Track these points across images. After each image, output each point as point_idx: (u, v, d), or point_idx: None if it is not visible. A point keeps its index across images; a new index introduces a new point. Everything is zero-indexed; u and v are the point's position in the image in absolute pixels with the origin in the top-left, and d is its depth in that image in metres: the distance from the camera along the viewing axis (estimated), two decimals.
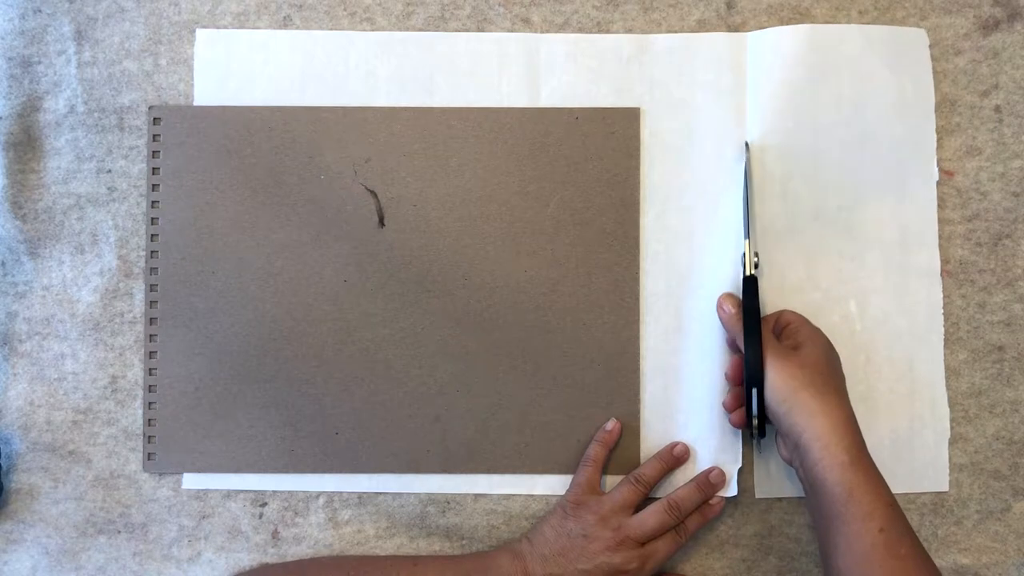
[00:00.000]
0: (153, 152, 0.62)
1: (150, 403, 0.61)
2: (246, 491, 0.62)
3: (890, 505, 0.51)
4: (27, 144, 0.62)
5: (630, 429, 0.61)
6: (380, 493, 0.62)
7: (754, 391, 0.55)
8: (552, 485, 0.61)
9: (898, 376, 0.61)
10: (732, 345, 0.60)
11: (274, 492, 0.62)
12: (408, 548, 0.61)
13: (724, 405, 0.60)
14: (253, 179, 0.62)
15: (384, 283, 0.61)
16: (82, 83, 0.63)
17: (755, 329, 0.56)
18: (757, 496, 0.61)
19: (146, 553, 0.61)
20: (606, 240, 0.61)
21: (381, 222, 0.61)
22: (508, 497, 0.61)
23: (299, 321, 0.61)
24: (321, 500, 0.62)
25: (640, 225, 0.62)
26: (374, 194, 0.61)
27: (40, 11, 0.63)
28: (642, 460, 0.61)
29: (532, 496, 0.61)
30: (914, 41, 0.62)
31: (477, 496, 0.62)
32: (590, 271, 0.61)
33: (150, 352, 0.61)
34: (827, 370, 0.55)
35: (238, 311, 0.61)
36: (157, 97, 0.63)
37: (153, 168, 0.62)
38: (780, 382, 0.54)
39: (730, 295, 0.59)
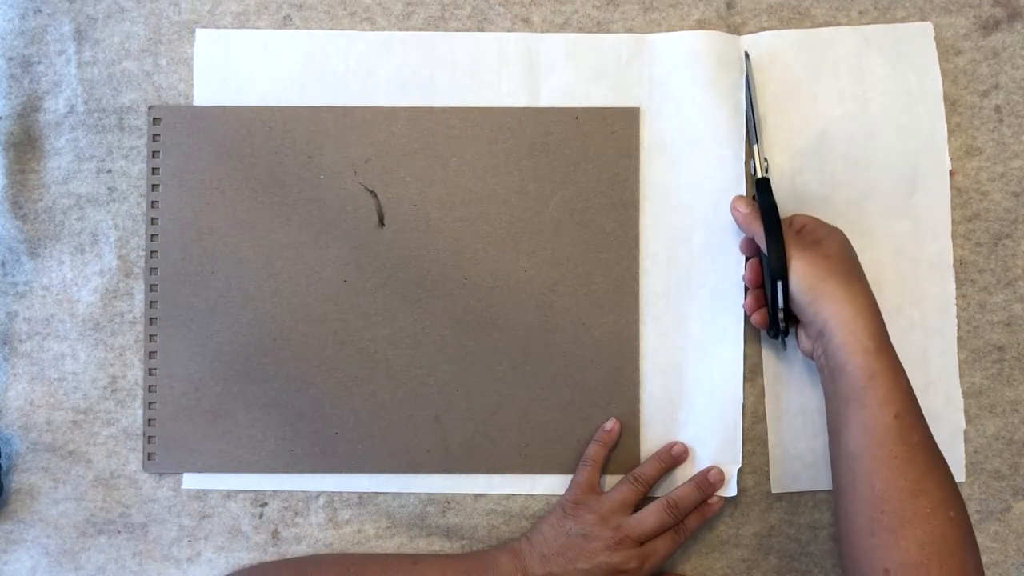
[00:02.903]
0: (153, 152, 0.62)
1: (150, 403, 0.61)
2: (246, 491, 0.62)
3: (907, 393, 0.51)
4: (27, 144, 0.62)
5: (630, 429, 0.61)
6: (380, 493, 0.62)
7: (779, 285, 0.55)
8: (552, 485, 0.61)
9: (911, 369, 0.60)
10: (747, 247, 0.60)
11: (274, 492, 0.62)
12: (408, 548, 0.61)
13: (744, 307, 0.60)
14: (253, 179, 0.62)
15: (384, 283, 0.61)
16: (82, 83, 0.63)
17: (775, 224, 0.56)
18: (773, 491, 0.61)
19: (146, 553, 0.61)
20: (606, 240, 0.61)
21: (381, 222, 0.61)
22: (508, 497, 0.61)
23: (299, 321, 0.61)
24: (321, 500, 0.61)
25: (640, 225, 0.62)
26: (374, 194, 0.61)
27: (40, 11, 0.63)
28: (642, 460, 0.61)
29: (532, 496, 0.61)
30: (918, 35, 0.62)
31: (477, 496, 0.61)
32: (590, 271, 0.61)
33: (150, 352, 0.61)
34: (849, 261, 0.55)
35: (238, 311, 0.61)
36: (157, 97, 0.63)
37: (153, 168, 0.62)
38: (805, 271, 0.54)
39: (742, 197, 0.60)
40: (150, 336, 0.61)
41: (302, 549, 0.61)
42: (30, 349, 0.62)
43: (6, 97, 0.62)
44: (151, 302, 0.61)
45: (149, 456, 0.61)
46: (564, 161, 0.62)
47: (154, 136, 0.62)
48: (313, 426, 0.61)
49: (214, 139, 0.62)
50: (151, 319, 0.61)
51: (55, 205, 0.62)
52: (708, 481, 0.59)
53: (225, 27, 0.63)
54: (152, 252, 0.62)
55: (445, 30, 0.63)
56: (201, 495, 0.62)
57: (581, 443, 0.61)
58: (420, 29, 0.63)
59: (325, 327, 0.61)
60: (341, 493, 0.62)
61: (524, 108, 0.62)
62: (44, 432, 0.62)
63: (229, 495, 0.62)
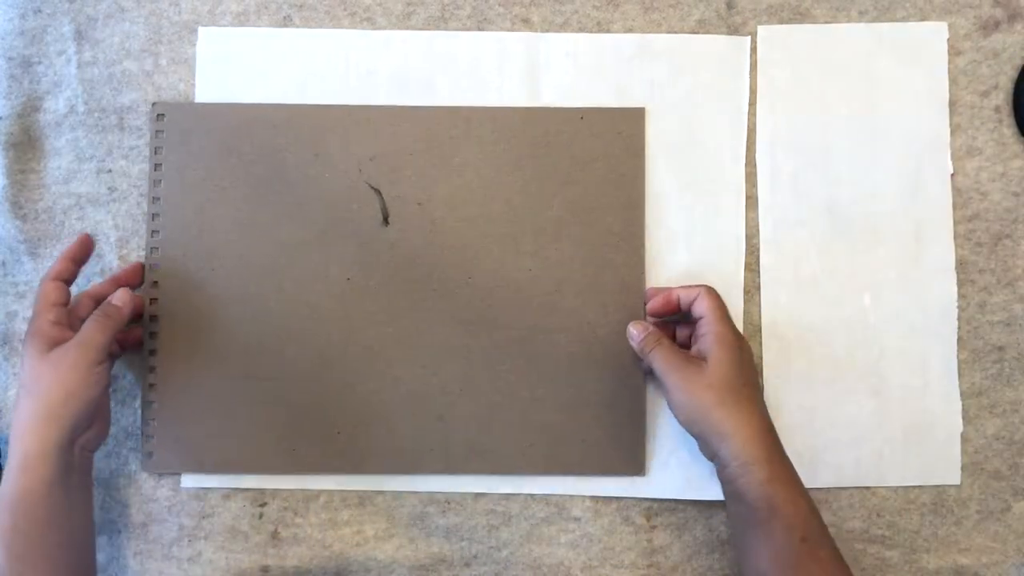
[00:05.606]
0: (156, 149, 0.62)
1: (150, 403, 0.61)
2: (246, 491, 0.62)
3: (811, 513, 0.53)
4: (27, 144, 0.62)
5: (636, 429, 0.61)
6: (380, 493, 0.61)
7: None
8: (555, 486, 0.61)
9: (911, 370, 0.61)
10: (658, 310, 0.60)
11: (274, 492, 0.62)
12: (408, 548, 0.61)
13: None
14: (256, 176, 0.61)
15: (388, 282, 0.61)
16: (82, 83, 0.62)
17: None
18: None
19: (146, 553, 0.61)
20: (611, 240, 0.61)
21: (385, 220, 0.61)
22: (508, 497, 0.61)
23: (302, 320, 0.61)
24: (321, 500, 0.61)
25: (645, 225, 0.62)
26: (378, 192, 0.61)
27: (40, 11, 0.63)
28: (648, 462, 0.61)
29: (532, 496, 0.61)
30: (930, 35, 0.62)
31: (477, 496, 0.61)
32: (595, 271, 0.61)
33: (150, 351, 0.61)
34: (738, 381, 0.54)
35: (240, 310, 0.61)
36: (157, 97, 0.63)
37: (155, 165, 0.62)
38: (689, 402, 0.54)
39: (637, 322, 0.59)
40: (150, 334, 0.61)
41: (301, 549, 0.61)
42: None
43: (6, 97, 0.62)
44: (151, 299, 0.61)
45: (149, 455, 0.61)
46: (569, 161, 0.62)
47: (157, 132, 0.62)
48: (315, 426, 0.61)
49: (217, 136, 0.61)
50: (151, 317, 0.61)
51: (55, 205, 0.62)
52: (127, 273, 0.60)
53: (225, 27, 0.63)
54: (153, 249, 0.62)
55: (445, 30, 0.63)
56: (201, 495, 0.62)
57: (586, 443, 0.61)
58: (420, 29, 0.63)
59: (328, 326, 0.61)
60: (341, 493, 0.61)
61: (530, 108, 0.62)
62: None
63: (229, 495, 0.62)
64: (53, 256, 0.62)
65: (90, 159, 0.62)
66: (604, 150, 0.62)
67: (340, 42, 0.63)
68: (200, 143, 0.62)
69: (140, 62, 0.63)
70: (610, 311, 0.61)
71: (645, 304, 0.60)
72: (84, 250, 0.58)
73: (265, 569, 0.61)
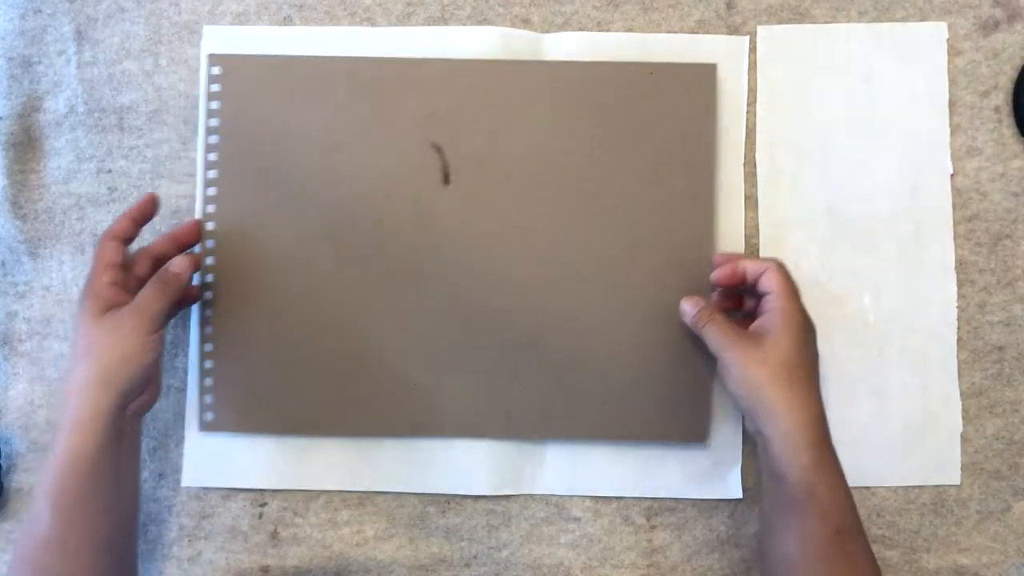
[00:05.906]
0: (210, 103, 0.60)
1: (207, 365, 0.60)
2: (246, 491, 0.62)
3: (848, 506, 0.52)
4: (27, 144, 0.63)
5: (701, 397, 0.60)
6: (380, 493, 0.61)
7: None
8: (555, 486, 0.61)
9: (911, 369, 0.61)
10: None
11: (274, 492, 0.62)
12: (408, 548, 0.61)
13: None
14: (312, 131, 0.60)
15: (448, 242, 0.60)
16: (82, 83, 0.63)
17: None
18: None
19: (146, 553, 0.61)
20: (678, 202, 0.60)
21: (446, 179, 0.60)
22: (508, 497, 0.61)
23: (363, 278, 0.60)
24: (321, 500, 0.61)
25: (716, 185, 0.60)
26: (439, 150, 0.60)
27: (40, 11, 0.63)
28: (712, 431, 0.60)
29: (532, 496, 0.61)
30: (930, 35, 0.62)
31: (477, 496, 0.61)
32: (662, 233, 0.60)
33: (206, 310, 0.60)
34: (796, 361, 0.53)
35: (297, 268, 0.60)
36: (157, 97, 0.63)
37: (209, 120, 0.60)
38: (742, 377, 0.53)
39: (689, 298, 0.58)
40: (206, 293, 0.60)
41: (301, 550, 0.61)
42: (30, 349, 0.62)
43: (6, 97, 0.62)
44: (206, 258, 0.60)
45: (208, 417, 0.60)
46: (637, 118, 0.60)
47: (211, 85, 0.60)
48: (378, 386, 0.60)
49: (274, 90, 0.60)
50: (207, 275, 0.60)
51: (55, 205, 0.62)
52: (184, 232, 0.59)
53: (226, 26, 0.63)
54: (208, 207, 0.60)
55: None
56: (201, 495, 0.62)
57: (657, 410, 0.59)
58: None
59: (391, 284, 0.60)
60: (341, 493, 0.61)
61: (596, 62, 0.61)
62: (44, 432, 0.62)
63: (229, 495, 0.62)
64: (53, 256, 0.62)
65: (90, 159, 0.62)
66: (673, 108, 0.60)
67: (349, 39, 0.62)
68: (256, 97, 0.60)
69: (140, 62, 0.63)
70: (677, 276, 0.59)
71: (711, 270, 0.59)
72: (147, 210, 0.57)
73: (265, 569, 0.61)
